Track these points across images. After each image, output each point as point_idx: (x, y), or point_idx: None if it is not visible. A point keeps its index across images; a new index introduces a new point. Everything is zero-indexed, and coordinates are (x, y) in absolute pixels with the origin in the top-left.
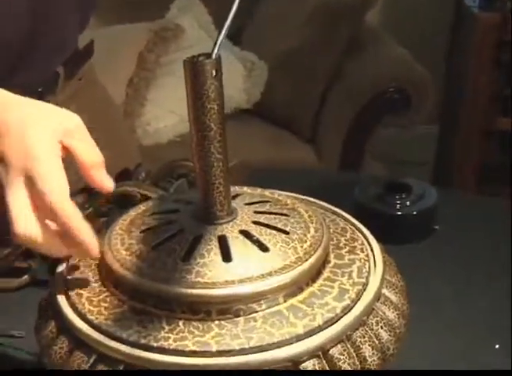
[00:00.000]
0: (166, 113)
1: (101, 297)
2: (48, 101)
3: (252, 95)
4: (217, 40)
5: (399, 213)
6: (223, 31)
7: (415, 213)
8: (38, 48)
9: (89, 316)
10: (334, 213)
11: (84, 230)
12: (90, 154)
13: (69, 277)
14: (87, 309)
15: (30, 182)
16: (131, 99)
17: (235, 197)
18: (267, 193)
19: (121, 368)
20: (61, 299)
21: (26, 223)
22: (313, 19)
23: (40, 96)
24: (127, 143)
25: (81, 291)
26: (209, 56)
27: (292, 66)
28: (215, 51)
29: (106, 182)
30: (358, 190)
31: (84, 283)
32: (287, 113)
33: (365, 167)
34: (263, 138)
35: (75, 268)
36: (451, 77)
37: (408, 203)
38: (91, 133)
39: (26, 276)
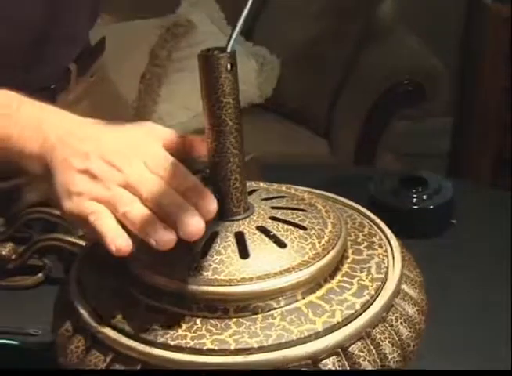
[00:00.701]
0: (179, 110)
1: (117, 296)
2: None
3: (264, 90)
4: (232, 33)
5: (416, 207)
6: (238, 24)
7: (432, 207)
8: (50, 43)
9: (106, 315)
10: (351, 208)
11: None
12: None
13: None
14: (103, 308)
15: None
16: (144, 95)
17: (251, 192)
18: (283, 188)
19: (138, 367)
20: (77, 298)
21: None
22: (326, 11)
23: (53, 93)
24: None
25: (97, 290)
26: (223, 49)
27: (304, 60)
28: (230, 44)
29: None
30: (374, 185)
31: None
32: (300, 107)
33: (379, 160)
34: (276, 133)
35: (91, 265)
36: (465, 69)
37: (424, 197)
38: None
39: (40, 274)
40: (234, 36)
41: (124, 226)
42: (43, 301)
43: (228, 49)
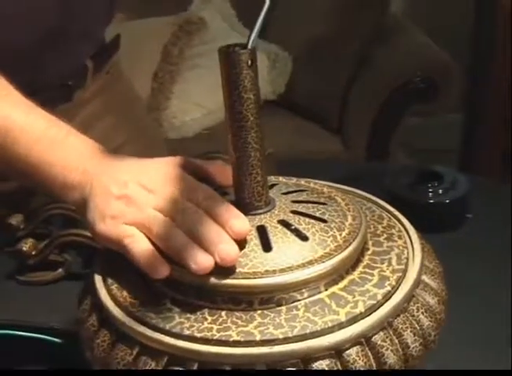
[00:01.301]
0: (192, 107)
1: (142, 289)
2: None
3: (277, 87)
4: (253, 29)
5: (431, 201)
6: (259, 21)
7: (447, 201)
8: (67, 41)
9: (131, 309)
10: (369, 201)
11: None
12: None
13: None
14: (128, 301)
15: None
16: (157, 92)
17: (271, 186)
18: (302, 182)
19: (165, 360)
20: (102, 292)
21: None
22: (338, 8)
23: (70, 90)
24: (153, 137)
25: (122, 284)
26: (244, 46)
27: (316, 56)
28: (251, 40)
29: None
30: (390, 179)
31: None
32: (312, 103)
33: (390, 155)
34: (288, 129)
35: (113, 260)
36: (476, 65)
37: (440, 191)
38: (117, 129)
39: (60, 270)
40: (255, 32)
41: (158, 249)
42: (63, 296)
43: (249, 46)
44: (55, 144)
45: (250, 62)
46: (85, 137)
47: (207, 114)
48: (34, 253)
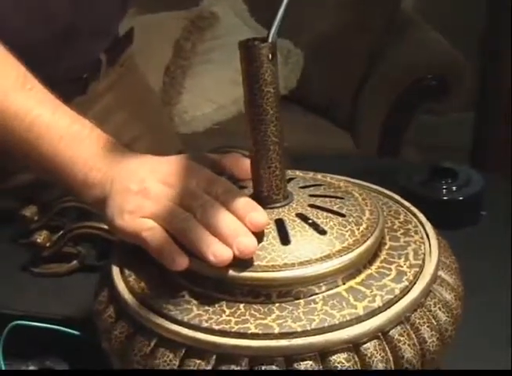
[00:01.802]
0: (203, 102)
1: (160, 281)
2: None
3: (289, 82)
4: (273, 22)
5: (445, 198)
6: (279, 13)
7: (461, 198)
8: (81, 35)
9: (149, 301)
10: (386, 196)
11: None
12: None
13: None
14: (146, 293)
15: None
16: (168, 87)
17: (289, 181)
18: (319, 176)
19: (183, 352)
20: (120, 284)
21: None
22: (350, 4)
23: (84, 83)
24: (166, 130)
25: (139, 276)
26: (264, 39)
27: (328, 52)
28: (271, 34)
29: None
30: (403, 176)
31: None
32: (324, 99)
33: (401, 152)
34: (300, 125)
35: (131, 252)
36: (487, 63)
37: (454, 188)
38: (131, 122)
39: (75, 262)
40: (276, 25)
41: (176, 241)
42: (77, 288)
43: (270, 39)
44: (78, 141)
45: (270, 55)
46: (108, 136)
47: (218, 109)
48: (48, 245)
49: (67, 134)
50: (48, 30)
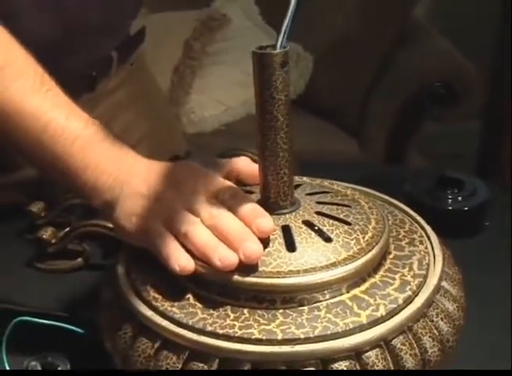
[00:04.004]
0: (211, 102)
1: (165, 284)
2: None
3: (297, 87)
4: (282, 29)
5: (450, 208)
6: (286, 21)
7: (466, 209)
8: (93, 33)
9: (154, 303)
10: (391, 205)
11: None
12: None
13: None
14: (151, 295)
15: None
16: (177, 86)
17: (296, 187)
18: (326, 183)
19: (186, 354)
20: (125, 284)
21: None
22: (361, 9)
23: (94, 80)
24: (174, 130)
25: (145, 277)
26: (276, 46)
27: (338, 57)
28: (280, 41)
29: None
30: (409, 184)
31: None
32: (332, 104)
33: (408, 159)
34: (307, 129)
35: (137, 254)
36: (497, 72)
37: (459, 198)
38: (139, 121)
39: (79, 259)
40: (284, 32)
41: (183, 246)
42: (81, 286)
43: (279, 47)
44: (91, 145)
45: (282, 63)
46: (120, 141)
47: (226, 110)
48: (53, 241)
49: (81, 137)
50: (60, 27)
